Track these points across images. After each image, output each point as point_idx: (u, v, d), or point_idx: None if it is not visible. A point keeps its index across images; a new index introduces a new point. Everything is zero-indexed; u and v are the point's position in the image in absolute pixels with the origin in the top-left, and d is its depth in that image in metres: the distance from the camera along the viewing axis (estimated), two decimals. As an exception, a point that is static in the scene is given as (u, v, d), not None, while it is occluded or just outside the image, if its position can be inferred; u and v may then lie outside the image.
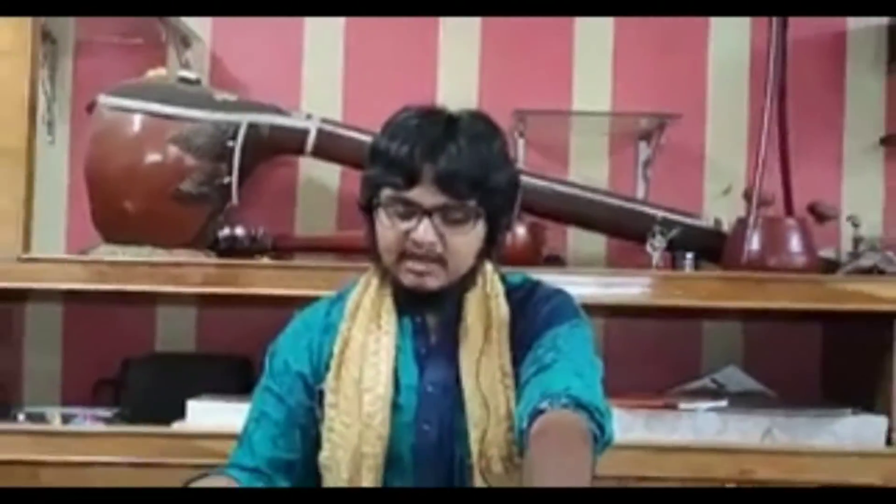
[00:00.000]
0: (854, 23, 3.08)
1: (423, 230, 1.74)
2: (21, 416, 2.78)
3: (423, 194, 1.74)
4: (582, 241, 3.06)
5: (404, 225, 1.76)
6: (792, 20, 2.82)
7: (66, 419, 2.75)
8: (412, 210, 1.75)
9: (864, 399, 2.72)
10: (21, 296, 2.96)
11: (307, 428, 1.83)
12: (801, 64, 2.92)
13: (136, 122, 2.71)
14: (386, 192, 1.76)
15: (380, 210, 1.78)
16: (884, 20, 3.05)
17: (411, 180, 1.73)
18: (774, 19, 2.84)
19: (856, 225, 2.78)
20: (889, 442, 2.61)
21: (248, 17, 2.99)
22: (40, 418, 2.75)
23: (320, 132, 2.80)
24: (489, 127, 1.82)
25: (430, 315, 1.84)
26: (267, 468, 1.81)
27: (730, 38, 3.09)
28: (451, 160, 1.73)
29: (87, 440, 2.65)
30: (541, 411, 1.66)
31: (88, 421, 2.75)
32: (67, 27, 3.04)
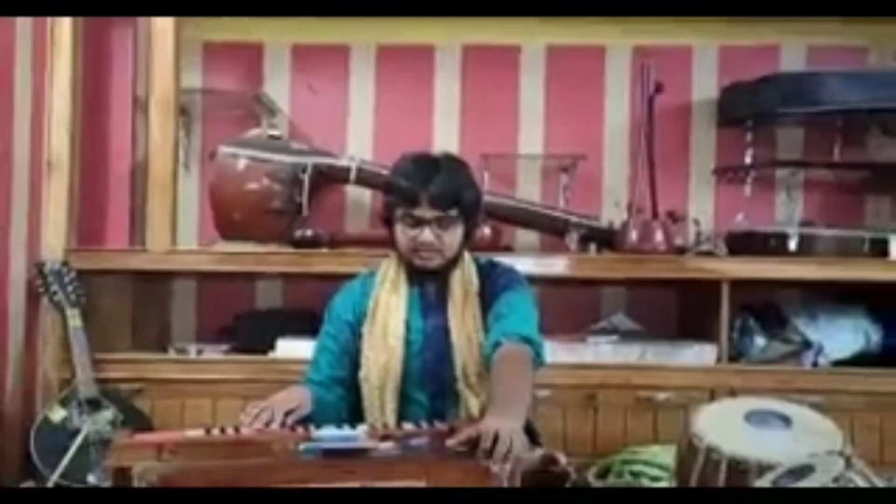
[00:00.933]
0: (697, 96, 3.08)
1: (426, 235, 1.77)
2: (171, 350, 2.78)
3: (423, 211, 1.76)
4: (525, 236, 3.05)
5: (412, 232, 1.78)
6: (658, 95, 2.83)
7: (199, 352, 2.75)
8: (417, 221, 1.77)
9: (702, 334, 2.72)
10: (170, 275, 2.96)
11: (352, 355, 1.85)
12: (662, 123, 2.91)
13: (242, 163, 2.70)
14: (399, 212, 1.79)
15: (396, 223, 1.81)
16: (715, 94, 3.06)
17: (414, 202, 1.75)
18: (646, 95, 2.83)
19: (697, 224, 2.78)
20: (718, 361, 2.61)
21: (315, 97, 2.99)
22: (183, 351, 2.75)
23: (359, 168, 2.79)
24: (459, 162, 1.85)
25: (429, 285, 1.86)
26: (328, 381, 1.82)
27: (617, 107, 3.07)
28: (438, 187, 1.75)
29: (213, 365, 2.65)
30: (500, 344, 1.69)
31: (214, 353, 2.75)
32: (196, 104, 3.03)
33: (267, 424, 1.56)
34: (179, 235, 2.76)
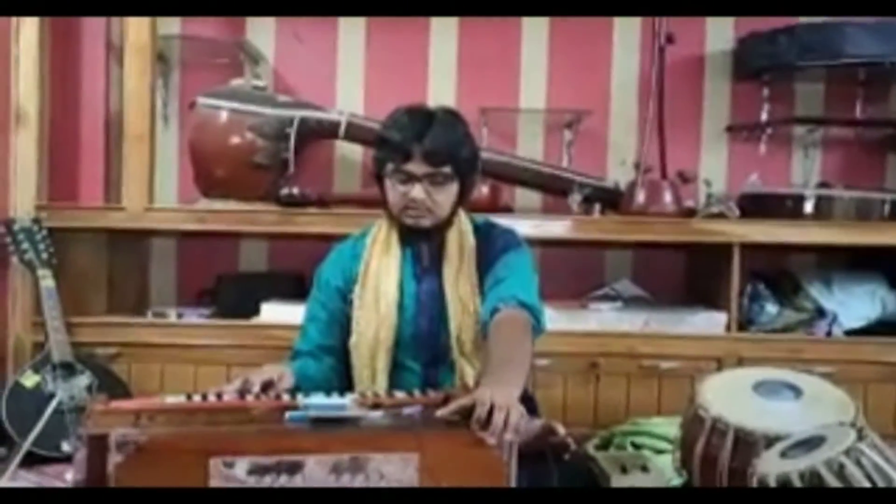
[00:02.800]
0: (711, 47, 3.05)
1: (418, 191, 1.75)
2: (149, 314, 2.78)
3: (415, 166, 1.74)
4: (525, 196, 3.04)
5: (403, 188, 1.76)
6: (669, 47, 2.80)
7: (179, 316, 2.76)
8: (408, 177, 1.75)
9: (711, 300, 2.73)
10: (147, 234, 2.95)
11: (343, 323, 1.85)
12: (674, 76, 2.89)
13: (224, 115, 2.68)
14: (389, 167, 1.77)
15: (386, 179, 1.79)
16: (730, 45, 3.03)
17: (406, 157, 1.74)
18: (657, 46, 2.81)
19: (709, 185, 2.77)
20: (727, 329, 2.63)
21: (300, 44, 2.95)
22: (162, 315, 2.76)
23: (349, 123, 2.77)
24: (455, 117, 1.82)
25: (423, 246, 1.85)
26: (317, 351, 1.82)
27: (626, 59, 3.05)
28: (431, 142, 1.73)
29: (193, 329, 2.66)
30: (497, 309, 1.69)
31: (194, 317, 2.76)
32: (174, 51, 2.99)
33: (242, 395, 1.53)
34: (157, 192, 2.75)
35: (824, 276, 2.80)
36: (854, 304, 2.72)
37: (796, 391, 1.73)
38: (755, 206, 2.73)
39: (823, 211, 2.67)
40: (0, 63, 2.57)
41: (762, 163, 2.98)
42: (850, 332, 2.68)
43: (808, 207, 2.66)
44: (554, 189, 2.89)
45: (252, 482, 1.29)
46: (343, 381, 1.82)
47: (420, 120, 1.75)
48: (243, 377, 1.61)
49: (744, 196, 2.81)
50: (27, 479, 2.13)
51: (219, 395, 1.53)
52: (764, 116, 2.97)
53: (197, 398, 1.51)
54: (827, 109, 3.05)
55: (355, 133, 2.78)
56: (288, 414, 1.41)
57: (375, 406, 1.48)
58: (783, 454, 1.46)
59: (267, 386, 1.60)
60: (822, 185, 2.84)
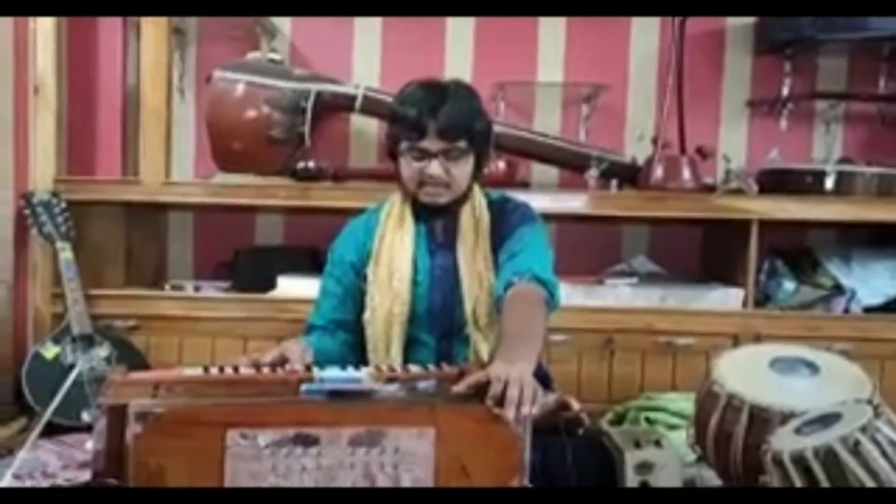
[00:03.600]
0: (732, 20, 3.01)
1: (434, 168, 1.75)
2: (167, 287, 2.81)
3: (430, 143, 1.74)
4: (542, 171, 3.03)
5: (419, 165, 1.76)
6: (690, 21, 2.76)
7: (196, 289, 2.78)
8: (423, 153, 1.75)
9: (728, 277, 2.72)
10: (165, 207, 2.97)
11: (357, 298, 1.85)
12: (693, 50, 2.87)
13: (240, 89, 2.67)
14: (404, 144, 1.76)
15: (401, 156, 1.79)
16: (752, 18, 2.99)
17: (421, 134, 1.73)
18: (676, 19, 2.78)
19: (728, 161, 2.75)
20: (744, 306, 2.62)
21: (318, 19, 2.94)
22: (180, 288, 2.78)
23: (365, 96, 2.76)
24: (469, 91, 1.81)
25: (437, 222, 1.85)
26: (331, 326, 1.83)
27: (645, 32, 3.01)
28: (446, 117, 1.72)
29: (211, 302, 2.68)
30: (512, 284, 1.68)
31: (212, 290, 2.78)
32: (191, 24, 2.99)
33: (257, 368, 1.54)
34: (175, 166, 2.77)
35: (843, 252, 2.78)
36: (873, 282, 2.70)
37: (813, 368, 1.72)
38: (775, 183, 2.71)
39: (844, 187, 2.64)
40: (18, 37, 2.58)
41: (783, 138, 2.95)
42: (869, 310, 2.67)
43: (829, 184, 2.64)
44: (571, 164, 2.88)
45: (268, 454, 1.30)
46: (357, 355, 1.82)
47: (434, 95, 1.74)
48: (256, 356, 1.59)
49: (763, 172, 2.78)
50: (47, 449, 2.17)
51: (235, 368, 1.55)
52: (785, 91, 2.94)
53: (214, 371, 1.53)
54: (849, 84, 3.01)
55: (371, 107, 2.77)
56: (304, 386, 1.42)
57: (390, 380, 1.49)
58: (798, 431, 1.45)
59: (283, 362, 1.59)
60: (844, 160, 2.81)
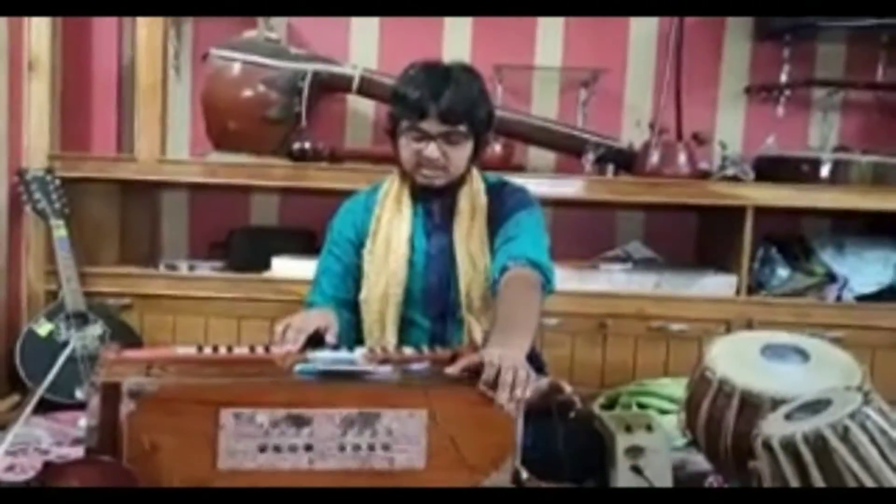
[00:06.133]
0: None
1: (432, 150, 1.75)
2: (161, 266, 2.80)
3: (430, 125, 1.74)
4: (538, 156, 3.02)
5: (418, 146, 1.76)
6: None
7: (191, 268, 2.78)
8: (423, 135, 1.75)
9: (722, 264, 2.73)
10: (160, 186, 2.95)
11: (356, 277, 1.86)
12: (692, 35, 2.85)
13: (237, 68, 2.66)
14: (404, 124, 1.76)
15: (400, 136, 1.78)
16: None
17: (422, 115, 1.73)
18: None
19: (724, 147, 2.74)
20: (737, 292, 2.63)
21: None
22: (174, 267, 2.77)
23: (362, 77, 2.75)
24: (472, 74, 1.80)
25: (434, 203, 1.85)
26: (332, 303, 1.83)
27: (644, 17, 3.00)
28: (448, 100, 1.72)
29: (205, 282, 2.68)
30: (507, 268, 1.69)
31: (206, 269, 2.77)
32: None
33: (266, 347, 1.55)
34: (170, 144, 2.75)
35: (837, 240, 2.79)
36: (866, 270, 2.71)
37: (804, 355, 1.73)
38: (771, 170, 2.70)
39: (840, 175, 2.64)
40: (12, 11, 2.55)
41: (779, 125, 2.94)
42: (862, 298, 2.68)
43: (825, 172, 2.64)
44: (567, 148, 2.87)
45: (261, 434, 1.31)
46: (359, 333, 1.84)
47: (436, 77, 1.74)
48: (285, 322, 1.62)
49: (760, 159, 2.78)
50: (41, 426, 2.17)
51: (229, 348, 1.55)
52: (783, 78, 2.93)
53: (208, 350, 1.53)
54: (847, 72, 3.00)
55: (369, 88, 2.76)
56: (298, 367, 1.42)
57: (384, 361, 1.49)
58: (788, 416, 1.46)
59: (315, 339, 1.61)
60: (840, 149, 2.81)
